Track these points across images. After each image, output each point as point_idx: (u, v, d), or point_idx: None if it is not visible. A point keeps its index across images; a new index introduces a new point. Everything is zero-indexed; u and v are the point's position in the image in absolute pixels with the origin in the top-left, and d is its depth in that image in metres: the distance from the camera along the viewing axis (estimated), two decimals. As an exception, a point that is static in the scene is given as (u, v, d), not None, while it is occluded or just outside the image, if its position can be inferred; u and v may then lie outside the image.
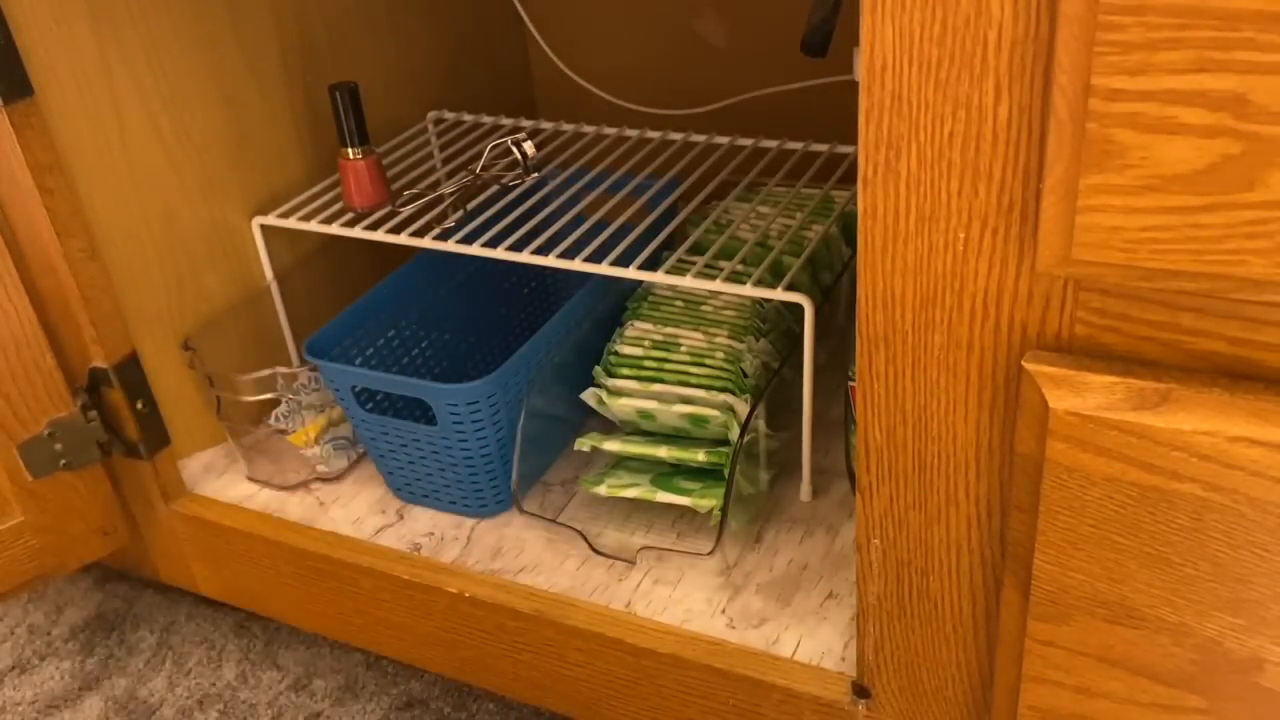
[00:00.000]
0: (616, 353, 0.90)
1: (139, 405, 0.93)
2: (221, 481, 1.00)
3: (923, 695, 0.69)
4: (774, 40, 1.18)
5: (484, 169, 0.99)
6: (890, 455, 0.60)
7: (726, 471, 0.81)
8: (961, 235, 0.52)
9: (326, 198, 1.01)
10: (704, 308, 0.92)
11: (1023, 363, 0.52)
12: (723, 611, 0.81)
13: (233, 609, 1.08)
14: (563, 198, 0.99)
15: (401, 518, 0.94)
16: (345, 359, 0.94)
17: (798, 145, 1.03)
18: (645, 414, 0.87)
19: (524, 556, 0.88)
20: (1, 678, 1.05)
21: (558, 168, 1.05)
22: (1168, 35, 0.42)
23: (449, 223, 0.94)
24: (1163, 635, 0.55)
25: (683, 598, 0.82)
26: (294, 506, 0.96)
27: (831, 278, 0.99)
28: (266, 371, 0.95)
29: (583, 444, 0.88)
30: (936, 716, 0.69)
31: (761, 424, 0.84)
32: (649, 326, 0.91)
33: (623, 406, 0.87)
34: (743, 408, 0.83)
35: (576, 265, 0.86)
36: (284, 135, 1.03)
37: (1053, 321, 0.52)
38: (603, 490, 0.87)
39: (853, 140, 0.95)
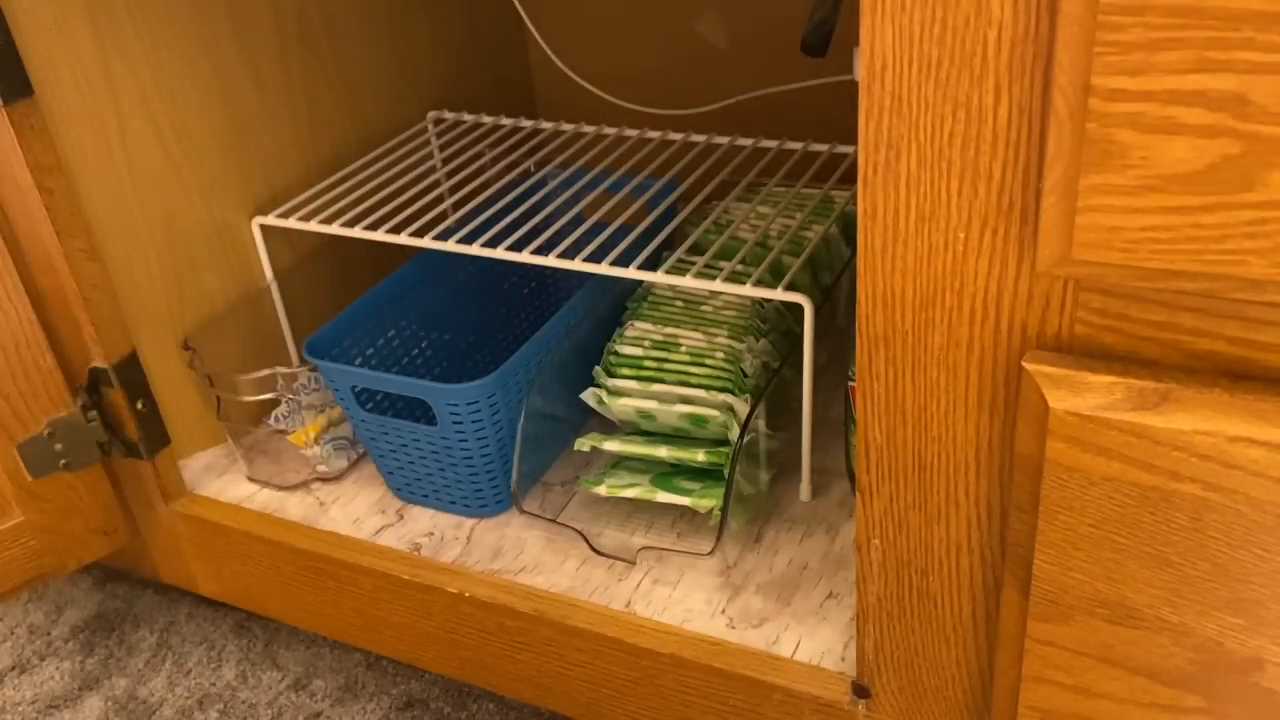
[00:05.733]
0: (616, 353, 0.90)
1: (139, 405, 0.93)
2: (221, 481, 1.00)
3: (923, 695, 0.69)
4: (774, 40, 1.18)
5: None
6: (890, 455, 0.60)
7: (726, 471, 0.81)
8: (961, 235, 0.52)
9: (326, 198, 1.01)
10: (704, 308, 0.92)
11: (1022, 363, 0.53)
12: (723, 611, 0.81)
13: (233, 609, 1.08)
14: (563, 198, 0.99)
15: (401, 518, 0.94)
16: (345, 359, 0.94)
17: (798, 145, 1.03)
18: (645, 414, 0.87)
19: (524, 556, 0.88)
20: (1, 678, 1.05)
21: (558, 168, 1.05)
22: (1168, 35, 0.42)
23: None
24: (1163, 635, 0.55)
25: (683, 598, 0.82)
26: (294, 506, 0.96)
27: (831, 278, 0.99)
28: (266, 371, 0.94)
29: (583, 444, 0.88)
30: (936, 716, 0.69)
31: (761, 424, 0.84)
32: (649, 326, 0.91)
33: (623, 406, 0.87)
34: (743, 408, 0.83)
35: (576, 265, 0.86)
36: (284, 135, 1.03)
37: (1052, 321, 0.52)
38: (603, 490, 0.87)
39: (853, 140, 0.95)
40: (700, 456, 0.84)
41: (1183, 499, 0.50)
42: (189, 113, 0.94)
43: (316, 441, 0.97)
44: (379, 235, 0.94)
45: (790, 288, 0.81)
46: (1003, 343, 0.54)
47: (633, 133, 1.07)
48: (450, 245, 0.91)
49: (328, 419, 0.98)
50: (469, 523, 0.92)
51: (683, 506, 0.85)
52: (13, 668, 1.06)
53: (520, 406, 0.87)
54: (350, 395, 0.89)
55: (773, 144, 1.03)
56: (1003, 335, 0.53)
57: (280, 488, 0.98)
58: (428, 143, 1.13)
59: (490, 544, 0.89)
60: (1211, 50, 0.42)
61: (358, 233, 0.95)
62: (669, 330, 0.90)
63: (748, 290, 0.82)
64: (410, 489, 0.94)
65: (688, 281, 0.84)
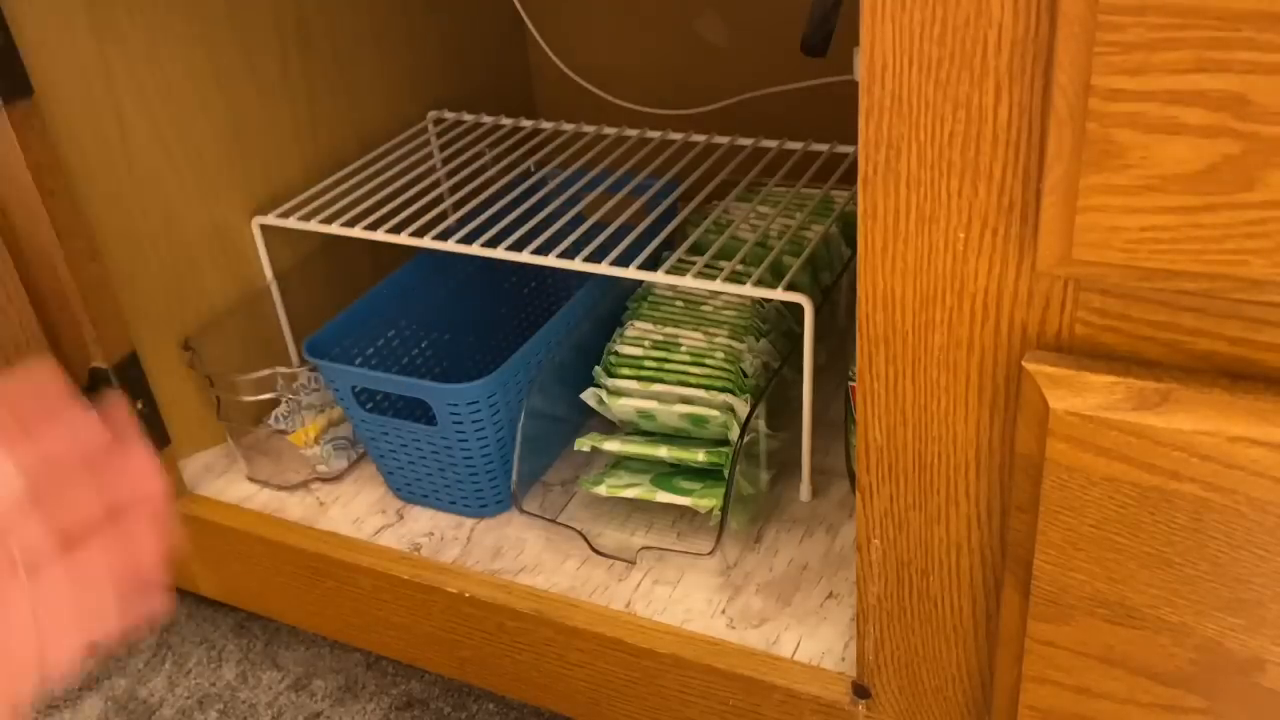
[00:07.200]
0: (616, 353, 0.89)
1: (139, 405, 0.93)
2: (221, 481, 1.00)
3: (923, 695, 0.69)
4: (774, 40, 1.18)
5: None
6: (890, 455, 0.60)
7: (726, 471, 0.81)
8: (961, 235, 0.52)
9: (326, 197, 1.01)
10: (704, 308, 0.92)
11: (1023, 363, 0.53)
12: (723, 611, 0.81)
13: (233, 609, 1.08)
14: (563, 198, 0.99)
15: (401, 518, 0.94)
16: (345, 359, 0.94)
17: (798, 145, 1.03)
18: (645, 414, 0.87)
19: (524, 556, 0.88)
20: (1, 678, 1.05)
21: (558, 168, 1.05)
22: (1168, 35, 0.42)
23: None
24: (1163, 635, 0.55)
25: (683, 598, 0.82)
26: (294, 506, 0.96)
27: (831, 278, 0.99)
28: (266, 371, 0.94)
29: (583, 444, 0.88)
30: (936, 716, 0.69)
31: (761, 424, 0.84)
32: (649, 326, 0.91)
33: (623, 406, 0.87)
34: (743, 408, 0.83)
35: (576, 265, 0.86)
36: (283, 135, 1.03)
37: (1053, 321, 0.52)
38: (603, 490, 0.87)
39: (853, 140, 0.95)
40: (700, 456, 0.84)
41: (1183, 499, 0.50)
42: (189, 113, 0.94)
43: (316, 441, 0.97)
44: (379, 235, 0.94)
45: (790, 288, 0.81)
46: (1003, 343, 0.54)
47: (633, 133, 1.07)
48: (450, 245, 0.91)
49: (328, 419, 0.98)
50: (469, 523, 0.92)
51: (683, 506, 0.85)
52: (13, 668, 1.06)
53: (520, 406, 0.87)
54: (350, 395, 0.89)
55: (773, 144, 1.03)
56: (1003, 335, 0.53)
57: (280, 488, 0.98)
58: (428, 143, 1.13)
59: (490, 544, 0.89)
60: (1211, 50, 0.42)
61: (358, 233, 0.95)
62: (669, 330, 0.90)
63: (748, 290, 0.82)
64: (410, 489, 0.94)
65: (688, 281, 0.84)
